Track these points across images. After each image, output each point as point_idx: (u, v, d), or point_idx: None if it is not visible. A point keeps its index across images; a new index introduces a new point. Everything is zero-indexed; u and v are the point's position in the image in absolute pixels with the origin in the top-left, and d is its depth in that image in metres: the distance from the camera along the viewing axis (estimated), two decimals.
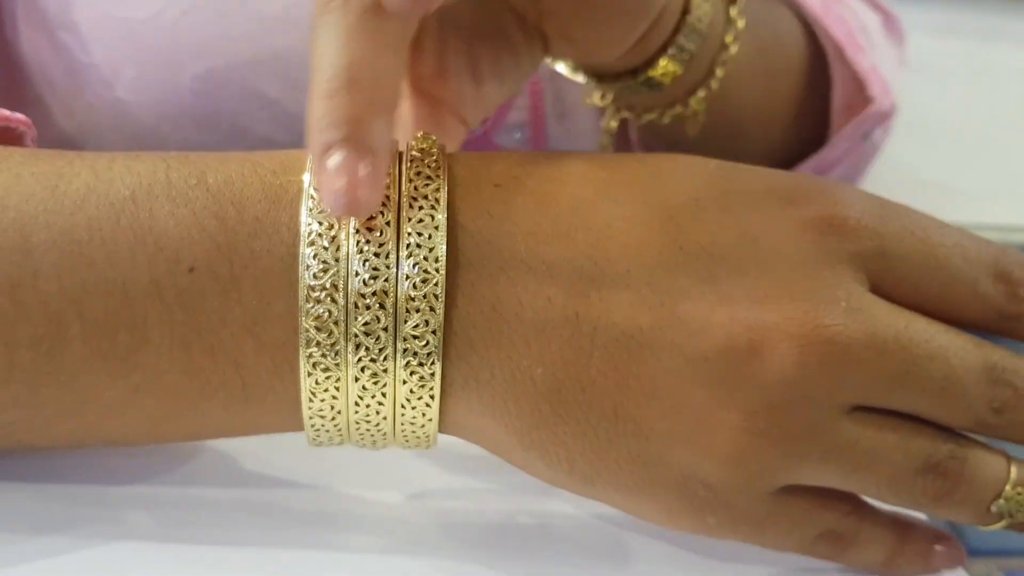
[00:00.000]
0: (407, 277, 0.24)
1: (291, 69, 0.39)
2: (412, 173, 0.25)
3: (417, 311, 0.24)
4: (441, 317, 0.24)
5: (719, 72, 0.38)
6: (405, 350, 0.24)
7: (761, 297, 0.24)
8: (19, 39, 0.41)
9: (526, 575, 0.27)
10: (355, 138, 0.23)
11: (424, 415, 0.25)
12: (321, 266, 0.24)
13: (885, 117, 0.46)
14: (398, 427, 0.26)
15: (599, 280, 0.25)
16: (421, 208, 0.25)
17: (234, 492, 0.29)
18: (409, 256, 0.24)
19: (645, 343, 0.24)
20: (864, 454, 0.25)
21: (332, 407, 0.25)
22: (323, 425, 0.26)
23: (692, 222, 0.25)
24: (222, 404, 0.26)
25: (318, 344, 0.24)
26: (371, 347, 0.24)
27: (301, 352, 0.24)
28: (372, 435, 0.26)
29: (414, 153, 0.26)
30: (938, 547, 0.28)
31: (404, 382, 0.24)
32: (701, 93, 0.38)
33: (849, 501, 0.27)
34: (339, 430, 0.26)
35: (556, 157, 0.27)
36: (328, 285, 0.24)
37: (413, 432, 0.26)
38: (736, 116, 0.43)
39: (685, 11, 0.35)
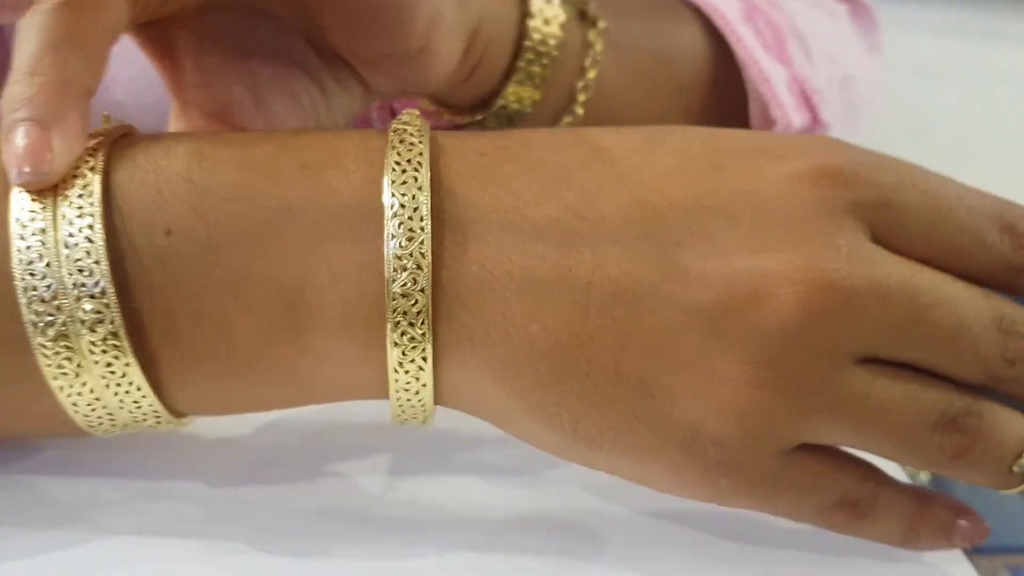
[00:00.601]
0: (392, 236, 0.24)
1: None
2: (396, 140, 0.25)
3: (404, 270, 0.24)
4: (429, 275, 0.24)
5: (581, 97, 0.38)
6: (395, 310, 0.24)
7: (758, 246, 0.24)
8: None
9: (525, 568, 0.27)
10: (37, 116, 0.24)
11: (418, 379, 0.25)
12: (36, 253, 0.24)
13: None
14: (392, 395, 0.25)
15: (590, 237, 0.24)
16: (404, 171, 0.25)
17: (238, 488, 0.29)
18: (394, 216, 0.24)
19: (643, 296, 0.24)
20: (875, 407, 0.24)
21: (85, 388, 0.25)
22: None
23: (683, 178, 0.25)
24: (207, 373, 0.25)
25: (44, 330, 0.24)
26: (96, 322, 0.24)
27: (31, 337, 0.24)
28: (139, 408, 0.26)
29: (397, 125, 0.26)
30: (961, 521, 0.27)
31: (396, 344, 0.24)
32: (567, 119, 0.38)
33: (865, 465, 0.26)
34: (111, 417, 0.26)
35: (545, 130, 0.27)
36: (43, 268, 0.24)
37: (408, 401, 0.26)
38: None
39: (522, 36, 0.35)
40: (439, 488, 0.30)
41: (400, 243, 0.24)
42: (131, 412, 0.26)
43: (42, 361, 0.24)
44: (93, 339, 0.24)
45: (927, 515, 0.26)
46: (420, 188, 0.24)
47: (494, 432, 0.27)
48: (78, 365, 0.24)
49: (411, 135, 0.25)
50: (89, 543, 0.26)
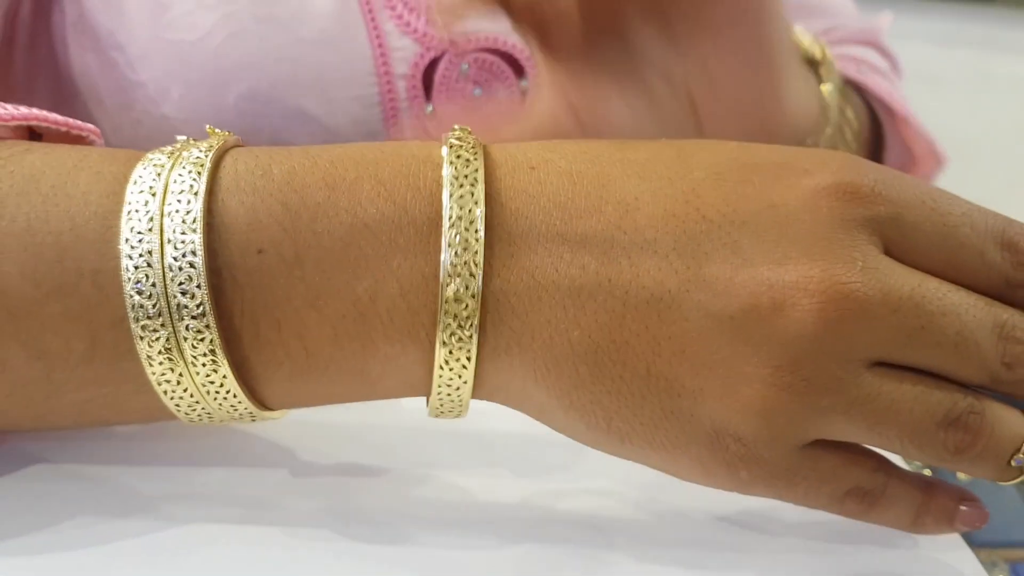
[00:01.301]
0: (449, 246, 0.26)
1: (329, 87, 0.42)
2: (453, 156, 0.27)
3: (458, 276, 0.26)
4: (480, 283, 0.26)
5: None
6: (446, 312, 0.26)
7: (781, 259, 0.26)
8: (69, 57, 0.43)
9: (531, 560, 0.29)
10: None
11: (460, 376, 0.27)
12: (143, 273, 0.26)
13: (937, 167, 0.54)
14: (435, 391, 0.27)
15: (628, 248, 0.26)
16: (462, 186, 0.27)
17: (259, 471, 0.31)
18: (451, 227, 0.26)
19: (674, 304, 0.26)
20: (886, 406, 0.26)
21: (186, 392, 0.27)
22: (449, 395, 0.27)
23: (713, 193, 0.27)
24: (287, 375, 0.28)
25: (151, 343, 0.26)
26: (197, 338, 0.26)
27: (138, 346, 0.26)
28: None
29: (453, 141, 0.28)
30: (963, 507, 0.29)
31: (444, 343, 0.26)
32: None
33: (876, 458, 0.28)
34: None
35: (585, 142, 0.29)
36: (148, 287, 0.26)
37: (448, 396, 0.28)
38: None
39: None
40: (456, 485, 0.32)
41: (456, 252, 0.26)
42: (228, 412, 0.28)
43: (148, 369, 0.26)
44: (194, 353, 0.26)
45: (932, 503, 0.29)
46: (476, 202, 0.26)
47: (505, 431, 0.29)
48: (180, 374, 0.27)
49: (467, 151, 0.28)
50: (163, 531, 0.28)
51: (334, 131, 0.42)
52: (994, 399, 0.27)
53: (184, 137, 0.29)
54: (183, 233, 0.26)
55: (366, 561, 0.28)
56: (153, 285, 0.26)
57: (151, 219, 0.26)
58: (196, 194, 0.27)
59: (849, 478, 0.28)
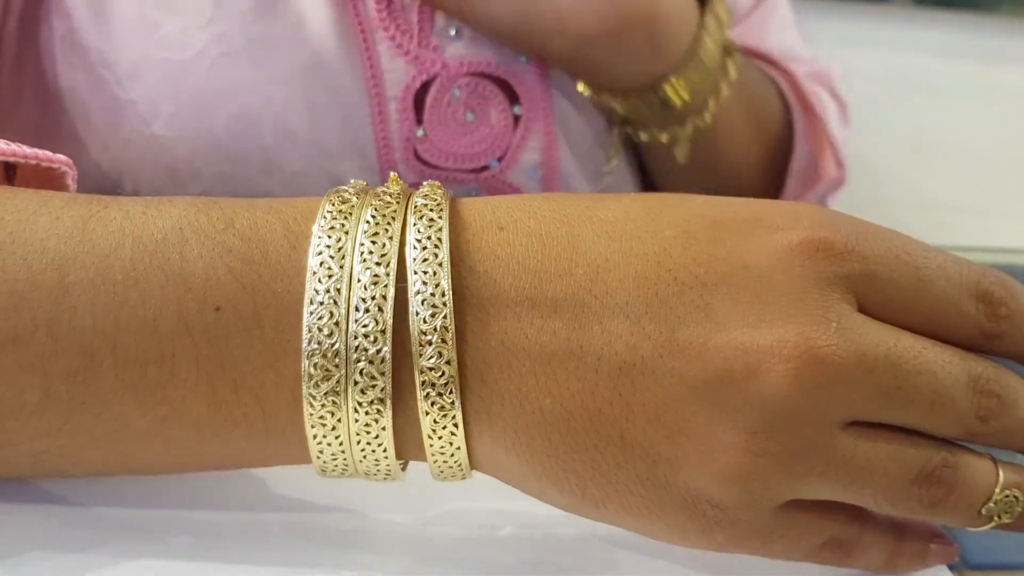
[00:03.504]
0: (416, 314, 0.26)
1: (320, 109, 0.41)
2: (416, 218, 0.27)
3: (431, 344, 0.26)
4: (454, 348, 0.26)
5: (712, 106, 0.45)
6: (423, 382, 0.26)
7: (754, 322, 0.25)
8: (57, 74, 0.42)
9: None
10: None
11: (452, 443, 0.27)
12: (327, 310, 0.26)
13: (838, 185, 0.56)
14: (429, 458, 0.27)
15: (599, 312, 0.26)
16: (425, 248, 0.26)
17: (262, 515, 0.31)
18: (416, 295, 0.26)
19: (647, 371, 0.25)
20: (861, 466, 0.26)
21: (336, 440, 0.27)
22: (331, 457, 0.27)
23: (684, 253, 0.27)
24: (244, 435, 0.27)
25: (317, 383, 0.26)
26: (369, 385, 0.26)
27: (304, 387, 0.26)
28: (377, 466, 0.27)
29: (418, 200, 0.28)
30: (933, 545, 0.29)
31: (427, 413, 0.26)
32: (696, 121, 0.46)
33: (850, 510, 0.28)
34: (346, 464, 0.27)
35: (555, 199, 0.29)
36: (331, 326, 0.26)
37: (445, 463, 0.27)
38: (717, 155, 0.49)
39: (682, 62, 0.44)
40: (456, 511, 0.32)
41: (424, 319, 0.26)
42: (368, 466, 0.27)
43: (307, 410, 0.26)
44: (360, 400, 0.26)
45: (904, 545, 0.29)
46: (440, 265, 0.26)
47: None
48: (337, 420, 0.26)
49: (431, 210, 0.27)
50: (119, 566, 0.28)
51: (326, 152, 0.42)
52: (967, 449, 0.27)
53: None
54: (375, 276, 0.26)
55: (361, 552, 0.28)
56: (336, 324, 0.26)
57: (342, 255, 0.26)
58: (391, 238, 0.27)
59: (824, 531, 0.28)
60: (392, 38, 0.42)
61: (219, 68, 0.40)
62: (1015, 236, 1.34)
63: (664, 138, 0.47)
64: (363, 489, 0.32)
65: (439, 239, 0.26)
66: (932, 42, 1.53)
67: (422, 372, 0.26)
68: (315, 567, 0.29)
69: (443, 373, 0.26)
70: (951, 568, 0.30)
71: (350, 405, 0.26)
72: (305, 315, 0.26)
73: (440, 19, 0.43)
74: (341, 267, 0.26)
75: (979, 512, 0.27)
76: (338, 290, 0.26)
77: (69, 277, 0.26)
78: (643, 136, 0.47)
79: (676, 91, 0.44)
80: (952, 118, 1.58)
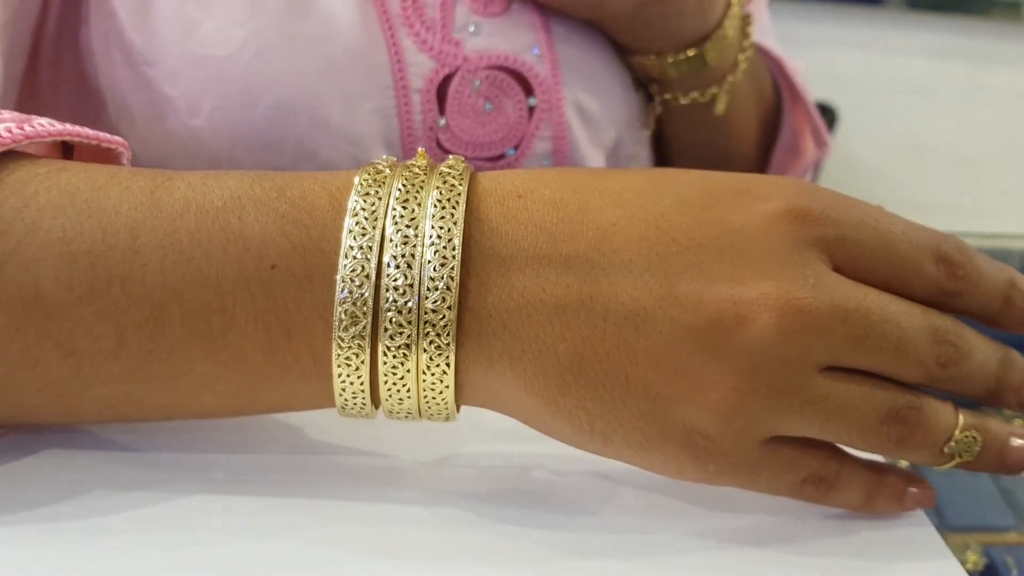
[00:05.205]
0: (428, 262, 0.29)
1: (350, 100, 0.44)
2: (440, 182, 0.30)
3: (436, 290, 0.29)
4: (456, 295, 0.29)
5: (742, 63, 0.52)
6: (426, 322, 0.29)
7: (741, 277, 0.29)
8: (97, 72, 0.45)
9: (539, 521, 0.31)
10: None
11: (442, 381, 0.30)
12: (359, 264, 0.29)
13: (817, 163, 0.61)
14: (419, 394, 0.30)
15: (607, 269, 0.29)
16: (444, 208, 0.30)
17: (298, 456, 0.34)
18: (431, 246, 0.29)
19: (649, 319, 0.29)
20: (835, 404, 0.29)
21: (359, 380, 0.30)
22: (352, 396, 0.30)
23: (681, 218, 0.30)
24: (296, 377, 0.30)
25: (347, 327, 0.29)
26: (397, 332, 0.29)
27: (335, 331, 0.29)
28: (399, 398, 0.30)
29: (443, 169, 0.31)
30: (911, 488, 0.32)
31: (424, 350, 0.29)
32: (730, 78, 0.52)
33: (829, 448, 0.31)
34: (364, 404, 0.30)
35: (567, 171, 0.32)
36: (362, 278, 0.29)
37: (434, 399, 0.30)
38: (727, 124, 0.54)
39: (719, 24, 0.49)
40: (467, 453, 0.35)
41: (434, 267, 0.29)
42: (392, 404, 0.30)
43: (335, 351, 0.29)
44: (389, 344, 0.29)
45: (883, 485, 0.32)
46: (455, 223, 0.29)
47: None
48: (361, 361, 0.29)
49: (453, 178, 0.30)
50: (172, 502, 0.31)
51: (355, 141, 0.45)
52: (930, 395, 0.31)
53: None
54: (405, 237, 0.30)
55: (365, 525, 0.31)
56: (367, 277, 0.29)
57: (374, 219, 0.29)
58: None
59: (805, 467, 0.31)
60: (416, 34, 0.45)
61: (256, 63, 0.43)
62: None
63: (704, 98, 0.51)
64: (385, 433, 0.35)
65: (457, 201, 0.30)
66: (924, 45, 1.56)
67: (425, 314, 0.29)
68: (345, 500, 0.32)
69: (443, 316, 0.29)
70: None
71: (379, 349, 0.29)
72: (340, 268, 0.29)
73: (460, 15, 0.46)
74: (374, 227, 0.29)
75: (941, 451, 0.31)
76: (370, 247, 0.29)
77: (140, 239, 0.29)
78: (683, 100, 0.51)
79: (716, 49, 0.49)
80: (943, 119, 1.61)
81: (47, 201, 0.30)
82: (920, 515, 0.33)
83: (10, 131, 0.31)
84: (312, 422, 0.36)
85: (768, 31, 0.62)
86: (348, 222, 0.29)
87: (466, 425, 0.34)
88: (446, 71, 0.46)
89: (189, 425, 0.35)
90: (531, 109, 0.47)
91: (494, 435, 0.36)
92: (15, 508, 0.30)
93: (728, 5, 0.49)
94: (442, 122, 0.46)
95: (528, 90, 0.47)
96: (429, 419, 0.31)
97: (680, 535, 0.31)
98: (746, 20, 0.52)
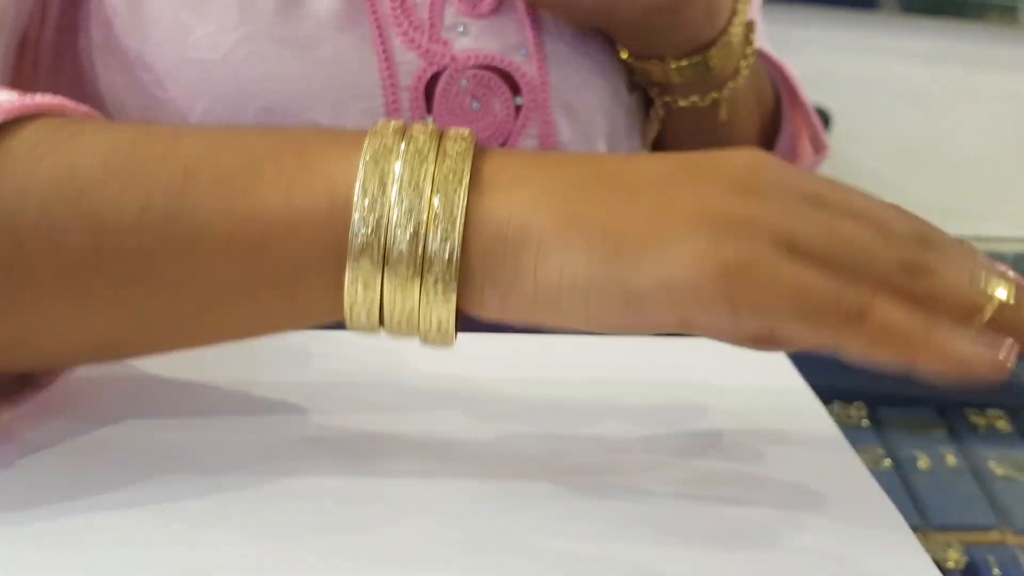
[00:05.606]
0: (437, 191, 0.30)
1: (339, 100, 0.45)
2: (448, 144, 0.31)
3: (439, 218, 0.30)
4: (471, 141, 0.31)
5: (744, 69, 0.53)
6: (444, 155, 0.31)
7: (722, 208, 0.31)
8: (96, 78, 0.46)
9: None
10: None
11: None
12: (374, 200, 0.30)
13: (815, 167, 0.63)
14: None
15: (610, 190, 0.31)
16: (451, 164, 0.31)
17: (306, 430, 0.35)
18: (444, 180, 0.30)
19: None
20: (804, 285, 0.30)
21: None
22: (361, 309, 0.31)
23: (669, 186, 0.31)
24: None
25: (357, 259, 0.30)
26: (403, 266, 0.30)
27: (348, 262, 0.30)
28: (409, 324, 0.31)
29: (451, 131, 0.32)
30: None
31: (437, 191, 0.30)
32: (732, 84, 0.52)
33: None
34: (369, 315, 0.31)
35: (564, 153, 0.35)
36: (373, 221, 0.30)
37: (427, 319, 0.31)
38: (726, 128, 0.54)
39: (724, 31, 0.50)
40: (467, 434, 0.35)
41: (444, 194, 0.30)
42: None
43: (348, 277, 0.30)
44: (397, 274, 0.30)
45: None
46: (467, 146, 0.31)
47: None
48: (374, 280, 0.30)
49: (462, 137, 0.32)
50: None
51: None
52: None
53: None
54: (405, 199, 0.31)
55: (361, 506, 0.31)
56: (378, 219, 0.30)
57: (385, 175, 0.31)
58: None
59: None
60: (405, 33, 0.46)
61: (246, 67, 0.44)
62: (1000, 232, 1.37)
63: (704, 102, 0.52)
64: (386, 433, 0.36)
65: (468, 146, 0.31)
66: (918, 48, 1.56)
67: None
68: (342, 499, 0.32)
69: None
70: (913, 528, 0.33)
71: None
72: (354, 215, 0.30)
73: (449, 16, 0.47)
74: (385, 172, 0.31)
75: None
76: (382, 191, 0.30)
77: (183, 138, 0.32)
78: (682, 102, 0.52)
79: (720, 56, 0.50)
80: (938, 122, 1.62)
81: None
82: (895, 514, 0.33)
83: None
84: (312, 422, 0.37)
85: (763, 34, 0.63)
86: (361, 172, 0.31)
87: (466, 424, 0.35)
88: (434, 69, 0.46)
89: (189, 425, 0.36)
90: (518, 108, 0.48)
91: (494, 433, 0.37)
92: (15, 508, 0.30)
93: (733, 12, 0.50)
94: (430, 120, 0.47)
95: (516, 89, 0.48)
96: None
97: (651, 528, 0.32)
98: (749, 27, 0.53)
